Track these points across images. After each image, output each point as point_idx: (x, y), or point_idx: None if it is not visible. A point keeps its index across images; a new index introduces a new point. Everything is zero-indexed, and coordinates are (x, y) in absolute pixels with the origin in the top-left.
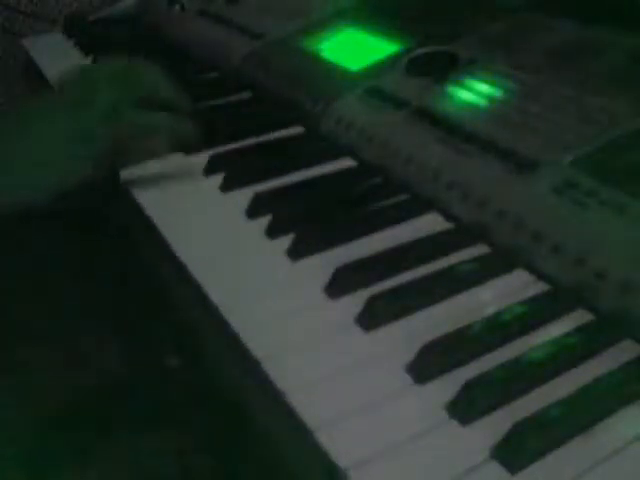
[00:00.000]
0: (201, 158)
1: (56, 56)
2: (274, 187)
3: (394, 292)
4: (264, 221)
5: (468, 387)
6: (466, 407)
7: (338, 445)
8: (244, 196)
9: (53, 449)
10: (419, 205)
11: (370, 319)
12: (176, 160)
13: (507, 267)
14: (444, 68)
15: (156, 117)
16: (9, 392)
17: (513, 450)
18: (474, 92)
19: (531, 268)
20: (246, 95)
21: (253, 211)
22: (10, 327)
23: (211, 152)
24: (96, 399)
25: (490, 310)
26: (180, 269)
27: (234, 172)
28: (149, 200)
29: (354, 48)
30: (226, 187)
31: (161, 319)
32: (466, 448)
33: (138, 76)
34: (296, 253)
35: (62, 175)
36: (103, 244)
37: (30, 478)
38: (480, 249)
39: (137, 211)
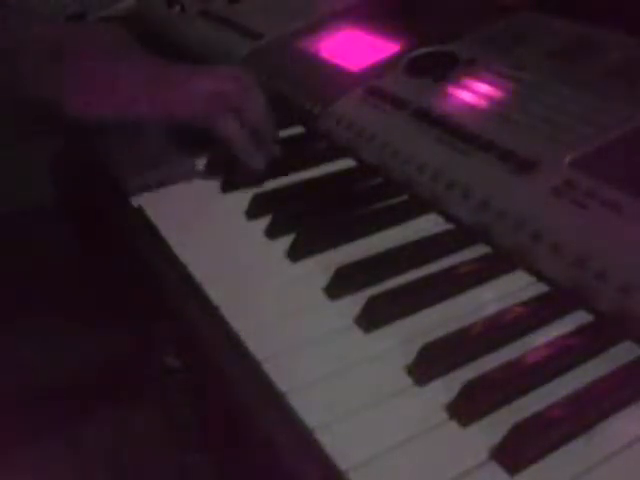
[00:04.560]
0: (201, 160)
1: None
2: (274, 187)
3: (394, 293)
4: (264, 221)
5: (468, 387)
6: (466, 408)
7: (338, 446)
8: (244, 196)
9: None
10: (419, 205)
11: (370, 320)
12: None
13: (507, 267)
14: (444, 68)
15: (232, 124)
16: (8, 392)
17: (513, 451)
18: (474, 92)
19: (531, 269)
20: None
21: (253, 211)
22: (10, 327)
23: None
24: (96, 398)
25: (490, 310)
26: (181, 269)
27: (234, 172)
28: (149, 201)
29: (354, 48)
30: (226, 187)
31: (161, 319)
32: (466, 449)
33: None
34: (296, 254)
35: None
36: (103, 245)
37: None
38: (480, 249)
39: (137, 212)
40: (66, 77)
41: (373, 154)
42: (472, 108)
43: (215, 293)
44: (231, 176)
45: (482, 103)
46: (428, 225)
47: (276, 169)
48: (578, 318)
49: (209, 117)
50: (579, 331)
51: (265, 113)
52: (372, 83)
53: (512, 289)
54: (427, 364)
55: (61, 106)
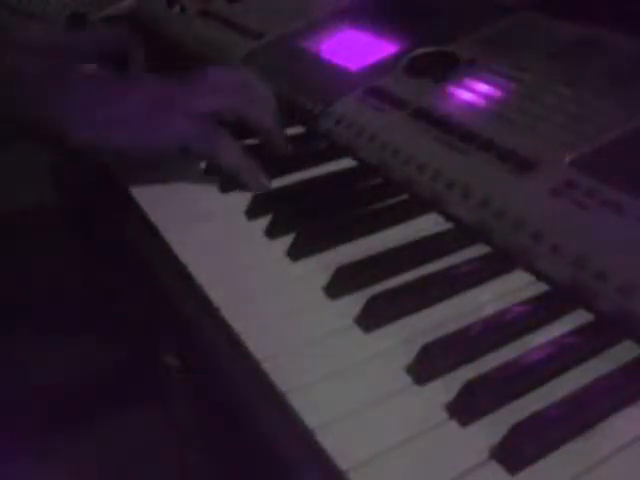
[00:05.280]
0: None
1: None
2: (274, 187)
3: (394, 292)
4: (264, 221)
5: (468, 387)
6: (466, 407)
7: (338, 446)
8: (244, 196)
9: (52, 443)
10: (419, 205)
11: (370, 319)
12: None
13: (507, 267)
14: (444, 68)
15: (236, 156)
16: (8, 393)
17: (513, 450)
18: (474, 92)
19: (531, 268)
20: None
21: (253, 211)
22: (9, 327)
23: None
24: (96, 398)
25: (490, 310)
26: (181, 269)
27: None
28: (149, 201)
29: (354, 48)
30: (226, 187)
31: (161, 319)
32: (466, 448)
33: (250, 88)
34: (296, 253)
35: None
36: (103, 245)
37: None
38: (480, 249)
39: (137, 212)
40: (68, 106)
41: (373, 154)
42: (472, 108)
43: (215, 293)
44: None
45: (482, 103)
46: (428, 225)
47: (276, 169)
48: (578, 318)
49: (206, 148)
50: (579, 331)
51: (273, 118)
52: (372, 83)
53: (512, 289)
54: (427, 364)
55: (65, 136)
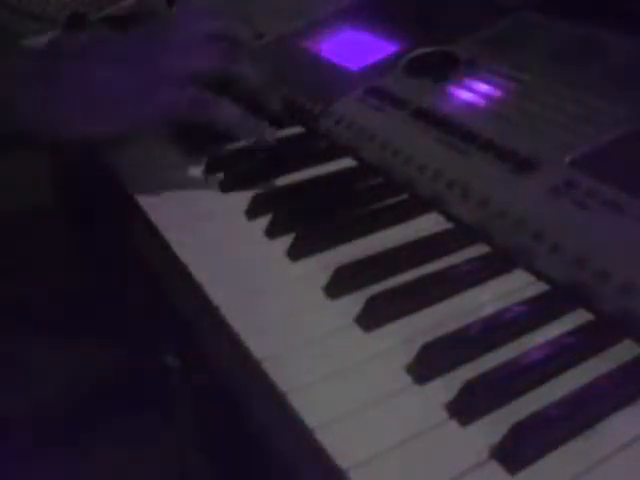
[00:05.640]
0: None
1: None
2: (274, 187)
3: (394, 292)
4: (264, 221)
5: (468, 387)
6: (466, 407)
7: (338, 445)
8: (244, 196)
9: (52, 444)
10: (419, 205)
11: (370, 319)
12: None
13: (507, 267)
14: (444, 68)
15: (232, 112)
16: (8, 393)
17: (513, 450)
18: (474, 92)
19: (531, 268)
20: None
21: (253, 211)
22: (9, 326)
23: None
24: (96, 398)
25: (490, 310)
26: (181, 269)
27: (234, 172)
28: (149, 201)
29: (354, 48)
30: (226, 187)
31: (161, 319)
32: (466, 448)
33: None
34: (296, 253)
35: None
36: (103, 245)
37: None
38: (480, 249)
39: (137, 212)
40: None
41: (373, 154)
42: (472, 108)
43: (215, 293)
44: (233, 173)
45: (482, 103)
46: (428, 224)
47: (276, 169)
48: (578, 317)
49: (201, 112)
50: (579, 330)
51: (258, 72)
52: (372, 83)
53: (512, 289)
54: (427, 363)
55: (63, 138)
